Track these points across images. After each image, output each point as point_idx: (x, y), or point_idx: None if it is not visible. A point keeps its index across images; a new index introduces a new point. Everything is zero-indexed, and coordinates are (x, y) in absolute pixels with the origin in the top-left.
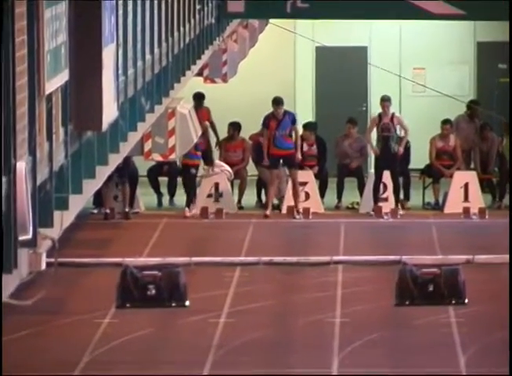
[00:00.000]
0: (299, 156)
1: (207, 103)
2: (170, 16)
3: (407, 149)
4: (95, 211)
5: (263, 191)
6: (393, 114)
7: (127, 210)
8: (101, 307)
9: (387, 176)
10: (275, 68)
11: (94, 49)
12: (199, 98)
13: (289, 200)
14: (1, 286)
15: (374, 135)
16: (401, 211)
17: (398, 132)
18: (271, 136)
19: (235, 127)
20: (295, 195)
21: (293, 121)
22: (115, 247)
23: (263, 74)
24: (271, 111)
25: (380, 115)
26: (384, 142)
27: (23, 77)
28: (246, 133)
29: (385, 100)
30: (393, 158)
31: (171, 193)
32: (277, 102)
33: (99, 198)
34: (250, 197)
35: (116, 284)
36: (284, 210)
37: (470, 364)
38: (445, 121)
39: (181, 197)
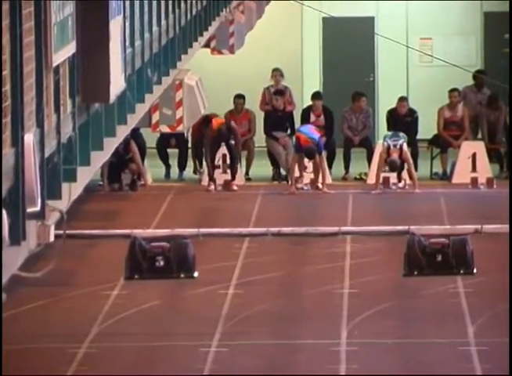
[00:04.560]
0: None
1: (214, 74)
2: None
3: (415, 119)
4: (102, 182)
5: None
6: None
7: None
8: (110, 279)
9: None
10: (282, 39)
11: (101, 21)
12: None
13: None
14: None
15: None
16: (401, 184)
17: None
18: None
19: (240, 99)
20: (316, 172)
21: (320, 149)
22: (123, 218)
23: (270, 46)
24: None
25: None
26: None
27: (30, 49)
28: (253, 104)
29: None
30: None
31: (181, 167)
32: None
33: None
34: (257, 168)
35: (124, 256)
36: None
37: (478, 334)
38: (453, 90)
39: (189, 168)
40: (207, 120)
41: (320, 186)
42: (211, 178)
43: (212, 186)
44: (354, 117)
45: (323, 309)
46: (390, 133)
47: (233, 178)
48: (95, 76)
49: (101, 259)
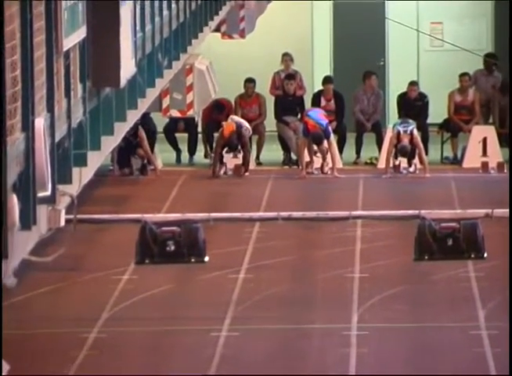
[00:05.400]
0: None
1: (224, 58)
2: None
3: (426, 103)
4: (112, 167)
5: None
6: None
7: (145, 162)
8: (120, 263)
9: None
10: (292, 24)
11: (111, 6)
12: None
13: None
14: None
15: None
16: (411, 168)
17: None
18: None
19: (251, 83)
20: (322, 157)
21: (328, 135)
22: (134, 203)
23: (281, 30)
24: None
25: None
26: None
27: (40, 34)
28: (263, 88)
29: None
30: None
31: (192, 152)
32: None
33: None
34: (268, 153)
35: (135, 240)
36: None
37: (489, 318)
38: (463, 74)
39: (200, 152)
40: (218, 104)
41: (326, 170)
42: (221, 163)
43: (222, 170)
44: (365, 98)
45: (334, 293)
46: (399, 120)
47: (246, 170)
48: (106, 61)
49: (111, 244)
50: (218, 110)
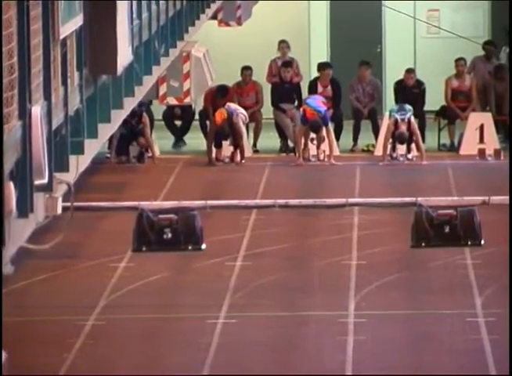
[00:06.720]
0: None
1: (221, 46)
2: None
3: (422, 91)
4: (109, 154)
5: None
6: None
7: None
8: (117, 251)
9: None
10: (289, 11)
11: None
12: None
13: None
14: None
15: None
16: (409, 155)
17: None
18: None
19: (248, 70)
20: (319, 145)
21: (326, 122)
22: (131, 190)
23: (277, 17)
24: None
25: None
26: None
27: (37, 22)
28: (260, 76)
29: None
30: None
31: (182, 134)
32: None
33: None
34: (265, 140)
35: (132, 228)
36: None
37: (486, 305)
38: (459, 59)
39: (191, 140)
40: (222, 88)
41: (322, 157)
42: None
43: (222, 154)
44: (360, 88)
45: (331, 280)
46: (396, 107)
47: (242, 158)
48: (103, 48)
49: (108, 231)
50: (221, 93)
